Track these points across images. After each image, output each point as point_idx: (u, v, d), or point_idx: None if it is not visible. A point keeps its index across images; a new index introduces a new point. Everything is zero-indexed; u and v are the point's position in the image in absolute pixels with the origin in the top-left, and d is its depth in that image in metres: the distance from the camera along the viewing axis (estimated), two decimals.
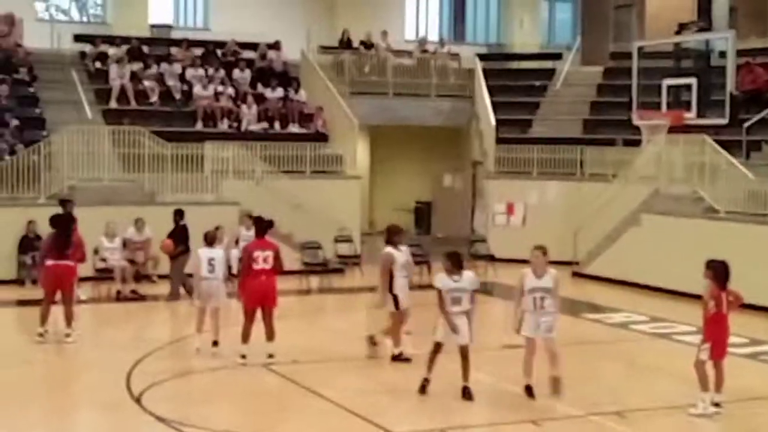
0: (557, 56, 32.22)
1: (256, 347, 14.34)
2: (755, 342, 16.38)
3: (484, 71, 29.61)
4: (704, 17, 26.89)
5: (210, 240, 15.32)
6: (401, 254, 14.45)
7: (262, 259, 14.22)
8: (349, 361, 15.13)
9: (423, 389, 12.73)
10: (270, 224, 15.27)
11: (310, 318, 19.08)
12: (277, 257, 14.35)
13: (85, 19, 30.79)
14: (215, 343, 14.93)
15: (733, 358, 15.25)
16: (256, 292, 14.27)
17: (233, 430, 11.77)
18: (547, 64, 32.04)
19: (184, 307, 19.59)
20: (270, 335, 14.36)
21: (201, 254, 15.10)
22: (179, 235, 19.89)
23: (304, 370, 13.99)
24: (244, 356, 14.26)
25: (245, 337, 14.30)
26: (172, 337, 16.65)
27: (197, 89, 25.99)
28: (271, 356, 14.24)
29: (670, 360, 15.04)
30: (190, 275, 20.33)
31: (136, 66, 26.37)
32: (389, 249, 14.36)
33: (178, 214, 20.26)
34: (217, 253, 15.15)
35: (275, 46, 28.58)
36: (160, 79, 26.28)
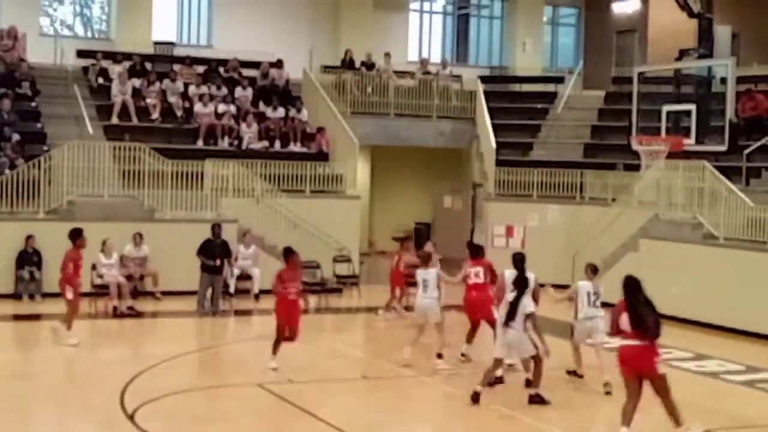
0: (559, 80, 32.29)
1: (256, 365, 14.29)
2: (752, 369, 16.33)
3: (486, 93, 29.67)
4: (706, 44, 26.91)
5: (424, 261, 15.94)
6: None
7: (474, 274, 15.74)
8: (344, 382, 15.11)
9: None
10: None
11: (306, 337, 19.00)
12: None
13: (88, 34, 30.84)
14: (439, 356, 15.52)
15: (730, 385, 15.30)
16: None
17: None
18: (549, 88, 32.11)
19: (182, 324, 19.64)
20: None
21: (417, 275, 15.77)
22: (214, 249, 20.29)
23: (298, 389, 13.96)
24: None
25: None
26: (168, 354, 16.58)
27: (198, 107, 26.03)
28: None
29: None
30: (227, 292, 20.78)
31: (138, 82, 26.43)
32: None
33: (217, 227, 20.70)
34: (430, 273, 15.56)
35: (277, 64, 28.63)
36: (161, 95, 26.32)
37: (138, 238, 20.94)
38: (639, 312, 11.26)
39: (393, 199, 32.13)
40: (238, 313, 21.02)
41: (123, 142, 23.16)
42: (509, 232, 26.34)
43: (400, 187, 32.25)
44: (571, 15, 36.79)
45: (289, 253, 15.38)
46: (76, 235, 16.84)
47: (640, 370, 11.24)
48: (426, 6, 34.55)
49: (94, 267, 20.01)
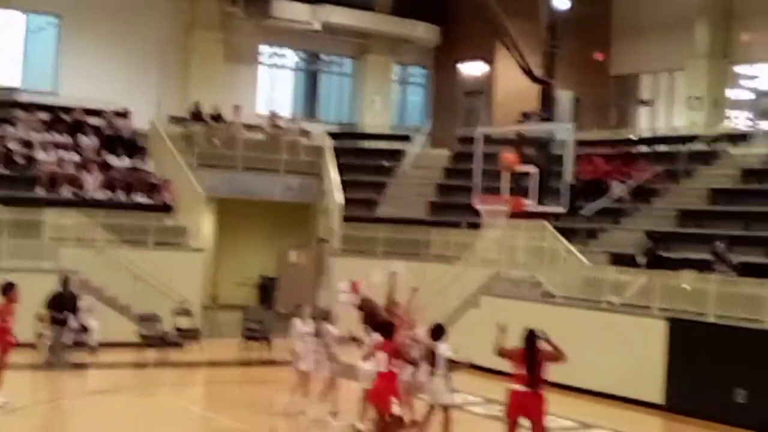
0: (407, 138, 32.74)
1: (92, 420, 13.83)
2: (585, 426, 16.69)
3: (334, 149, 29.90)
4: (548, 108, 27.70)
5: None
6: None
7: None
8: None
9: None
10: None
11: (145, 392, 18.64)
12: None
13: None
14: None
15: None
16: None
17: None
18: (397, 146, 32.51)
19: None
20: None
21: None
22: (64, 302, 19.91)
23: None
24: None
25: None
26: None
27: (40, 154, 25.44)
28: None
29: None
30: (73, 344, 20.22)
31: None
32: None
33: (65, 280, 20.33)
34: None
35: (124, 114, 28.23)
36: (2, 141, 25.62)
37: None
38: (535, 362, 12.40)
39: (239, 252, 31.88)
40: (76, 366, 20.46)
41: None
42: (354, 287, 26.34)
43: (246, 240, 32.04)
44: (420, 75, 37.41)
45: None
46: (8, 289, 16.08)
47: (526, 414, 12.35)
48: (276, 60, 34.64)
49: None
